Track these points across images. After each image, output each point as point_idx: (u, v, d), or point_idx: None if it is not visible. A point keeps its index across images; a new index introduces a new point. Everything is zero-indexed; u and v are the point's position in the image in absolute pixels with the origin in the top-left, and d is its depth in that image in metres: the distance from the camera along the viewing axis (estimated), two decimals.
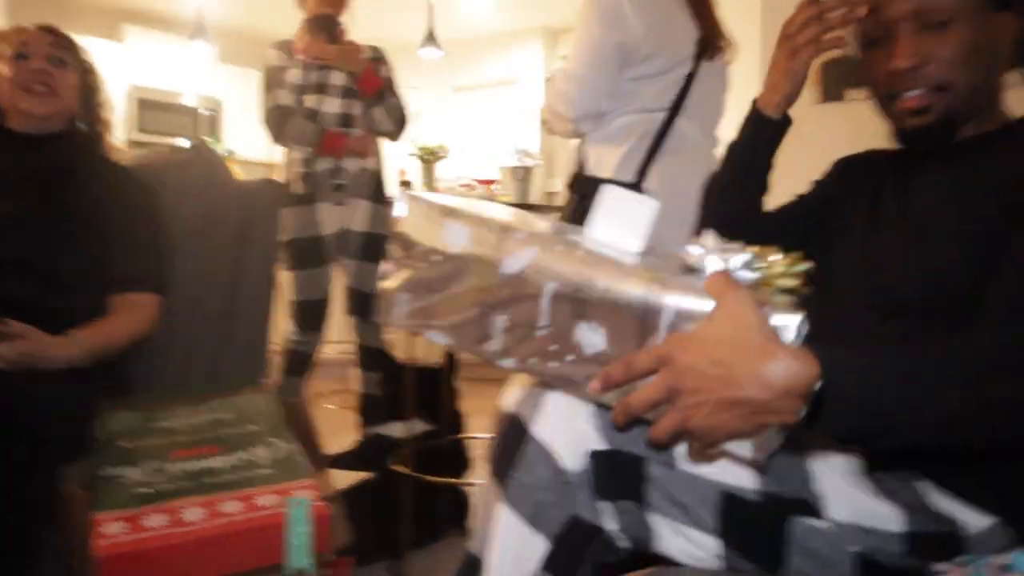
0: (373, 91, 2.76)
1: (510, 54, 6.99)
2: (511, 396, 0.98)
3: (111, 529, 1.14)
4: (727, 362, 0.74)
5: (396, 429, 2.35)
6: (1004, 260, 0.90)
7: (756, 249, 0.81)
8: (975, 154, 1.02)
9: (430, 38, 4.92)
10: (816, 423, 0.74)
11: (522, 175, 4.42)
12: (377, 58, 2.90)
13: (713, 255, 0.79)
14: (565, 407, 0.91)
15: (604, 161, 2.01)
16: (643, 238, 0.87)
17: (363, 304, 2.86)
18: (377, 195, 2.86)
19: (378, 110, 2.79)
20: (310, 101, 2.75)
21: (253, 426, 1.48)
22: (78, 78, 1.84)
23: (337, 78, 2.78)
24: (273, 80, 2.79)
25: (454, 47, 6.59)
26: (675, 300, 0.77)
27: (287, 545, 1.17)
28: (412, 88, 6.69)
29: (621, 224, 0.87)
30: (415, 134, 5.53)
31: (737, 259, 0.79)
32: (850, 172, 1.24)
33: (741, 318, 0.74)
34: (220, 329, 2.00)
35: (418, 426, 2.28)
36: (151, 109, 6.15)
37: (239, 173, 4.17)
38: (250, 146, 5.97)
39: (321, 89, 2.76)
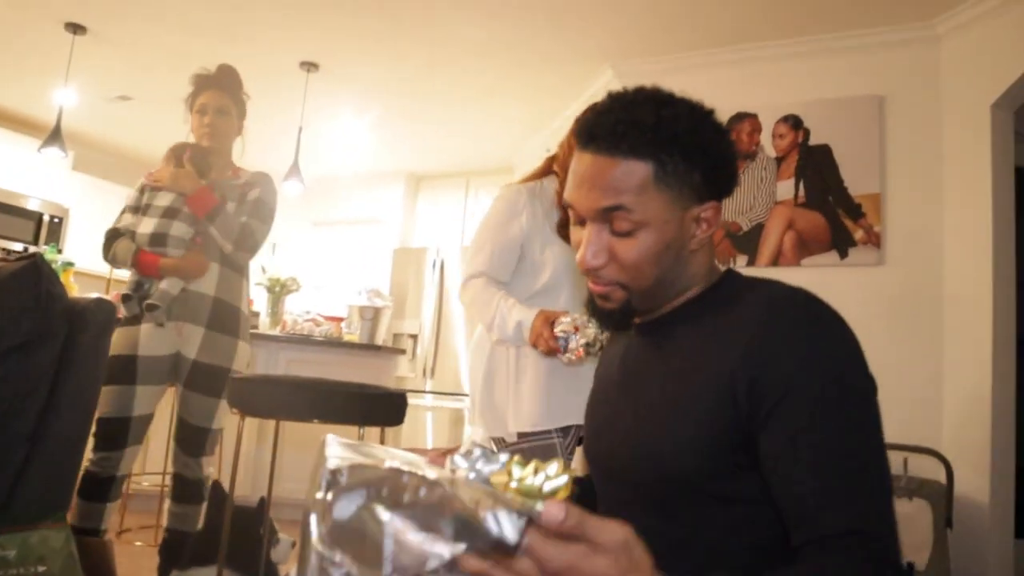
0: (202, 211, 2.74)
1: (372, 193, 7.16)
2: None
3: None
4: None
5: (201, 574, 2.22)
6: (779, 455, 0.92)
7: (515, 460, 0.80)
8: (687, 324, 1.08)
9: (294, 170, 4.96)
10: None
11: (371, 315, 4.44)
12: (248, 182, 2.89)
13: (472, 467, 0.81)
14: None
15: None
16: None
17: (188, 436, 2.74)
18: (216, 323, 2.77)
19: (212, 229, 2.75)
20: (130, 222, 2.81)
21: (41, 567, 1.38)
22: None
23: (162, 199, 2.79)
24: (127, 205, 2.86)
25: (317, 182, 6.70)
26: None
27: None
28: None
29: None
30: (268, 265, 5.52)
31: (488, 468, 0.81)
32: (608, 346, 1.33)
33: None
34: (26, 455, 1.87)
35: (226, 573, 2.15)
36: None
37: (72, 286, 3.99)
38: (93, 258, 5.74)
39: (144, 211, 2.80)
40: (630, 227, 1.02)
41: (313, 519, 0.80)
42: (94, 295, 2.49)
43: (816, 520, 0.88)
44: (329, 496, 0.80)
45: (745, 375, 0.95)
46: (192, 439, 2.74)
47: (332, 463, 0.82)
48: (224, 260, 2.81)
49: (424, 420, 5.97)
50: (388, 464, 0.80)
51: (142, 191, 2.84)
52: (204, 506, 2.74)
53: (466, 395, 5.73)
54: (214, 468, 2.85)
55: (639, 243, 1.03)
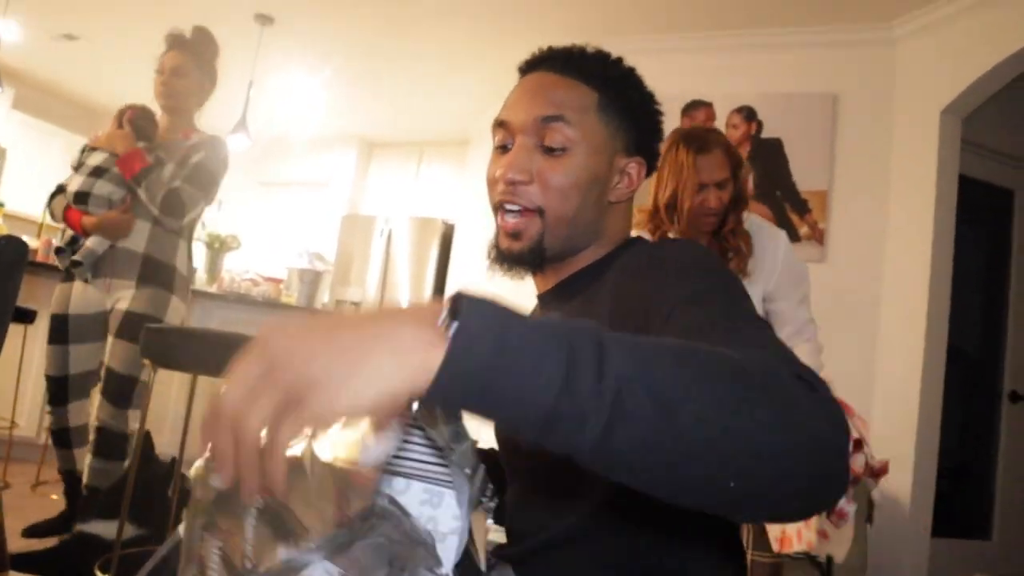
0: (129, 173, 2.74)
1: (323, 157, 7.03)
2: None
3: None
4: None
5: (105, 528, 2.14)
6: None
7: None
8: (589, 288, 1.02)
9: (241, 125, 4.83)
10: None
11: (311, 278, 4.36)
12: (195, 145, 2.87)
13: None
14: None
15: None
16: None
17: (115, 386, 2.69)
18: (148, 279, 2.76)
19: (140, 191, 2.75)
20: (67, 179, 2.88)
21: None
22: None
23: (95, 158, 2.82)
24: (71, 163, 2.92)
25: (267, 141, 6.54)
26: None
27: None
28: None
29: None
30: (210, 221, 5.39)
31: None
32: None
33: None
34: None
35: (130, 529, 2.08)
36: None
37: (2, 227, 3.87)
38: (27, 201, 5.55)
39: (77, 168, 2.85)
40: (564, 143, 1.00)
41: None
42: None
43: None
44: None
45: (619, 307, 0.89)
46: (119, 389, 2.70)
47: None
48: (157, 219, 2.82)
49: None
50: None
51: (84, 150, 2.91)
52: (127, 463, 2.67)
53: None
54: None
55: (569, 164, 1.00)
